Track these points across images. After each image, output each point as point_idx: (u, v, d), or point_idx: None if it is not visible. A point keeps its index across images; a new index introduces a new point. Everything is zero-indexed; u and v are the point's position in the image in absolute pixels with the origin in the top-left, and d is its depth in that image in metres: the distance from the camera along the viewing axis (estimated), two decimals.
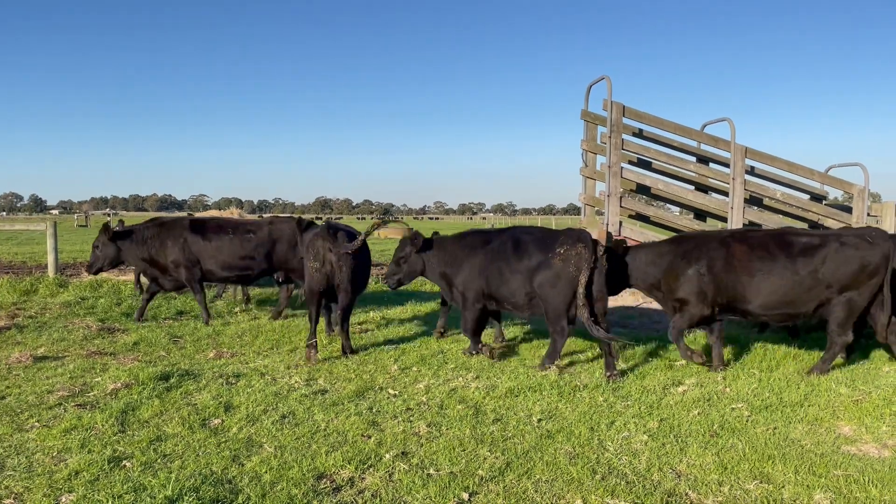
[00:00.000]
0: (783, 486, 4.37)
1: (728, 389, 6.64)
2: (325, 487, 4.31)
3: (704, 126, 11.89)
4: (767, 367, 7.49)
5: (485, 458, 4.79)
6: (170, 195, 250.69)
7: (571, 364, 7.76)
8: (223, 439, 5.13)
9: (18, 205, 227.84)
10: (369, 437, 5.21)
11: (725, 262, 7.30)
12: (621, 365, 7.63)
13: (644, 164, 11.57)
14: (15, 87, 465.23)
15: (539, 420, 5.69)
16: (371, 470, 4.57)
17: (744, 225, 10.67)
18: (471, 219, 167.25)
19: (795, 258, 7.07)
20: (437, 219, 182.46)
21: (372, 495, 4.20)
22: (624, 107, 10.47)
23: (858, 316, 7.13)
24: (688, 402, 6.16)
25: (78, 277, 14.52)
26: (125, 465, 4.57)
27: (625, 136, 10.65)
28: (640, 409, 5.99)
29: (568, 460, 4.78)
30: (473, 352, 8.11)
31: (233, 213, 17.44)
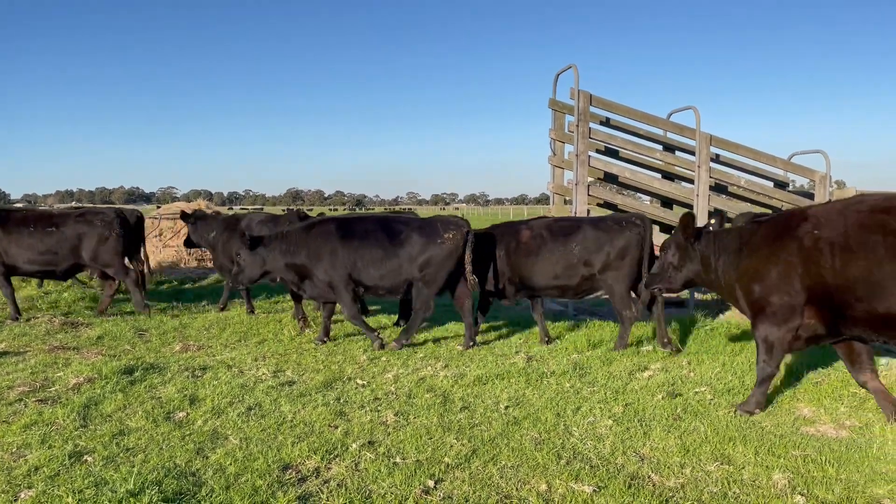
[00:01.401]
0: (743, 467, 4.45)
1: (692, 374, 6.74)
2: (291, 478, 4.29)
3: (671, 114, 11.99)
4: (731, 352, 7.61)
5: (451, 446, 4.81)
6: (138, 188, 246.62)
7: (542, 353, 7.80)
8: (188, 432, 5.08)
9: None
10: (336, 428, 5.20)
11: (516, 248, 8.26)
12: (588, 353, 7.71)
13: (611, 153, 11.65)
14: None
15: (506, 407, 5.72)
16: (337, 460, 4.56)
17: (709, 213, 10.81)
18: (444, 209, 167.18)
19: (559, 243, 8.07)
20: (409, 209, 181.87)
21: (337, 485, 4.19)
22: (591, 95, 10.52)
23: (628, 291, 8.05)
24: (653, 387, 6.24)
25: None
26: (86, 460, 4.50)
27: (592, 125, 10.70)
28: (605, 394, 6.05)
29: (534, 446, 4.82)
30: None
31: (199, 206, 17.27)
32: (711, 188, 11.13)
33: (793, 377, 6.51)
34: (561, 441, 4.94)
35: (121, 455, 4.62)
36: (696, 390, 6.14)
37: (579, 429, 5.19)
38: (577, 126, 10.44)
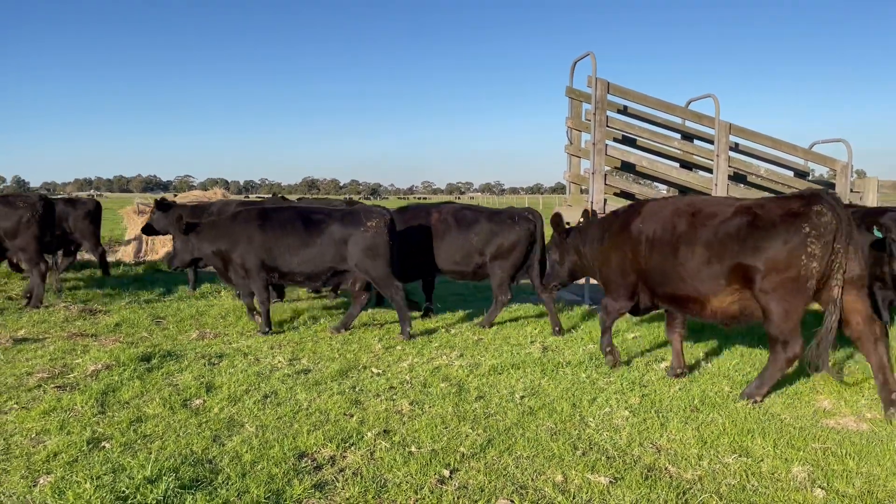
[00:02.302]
0: (762, 460, 4.40)
1: (710, 365, 6.68)
2: (307, 466, 4.30)
3: (689, 102, 11.86)
4: (750, 343, 7.54)
5: (466, 436, 4.80)
6: (155, 176, 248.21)
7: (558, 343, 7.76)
8: (204, 419, 5.10)
9: (1, 186, 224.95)
10: (351, 416, 5.20)
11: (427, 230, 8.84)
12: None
13: (629, 142, 11.54)
14: None
15: (522, 397, 5.70)
16: (352, 448, 4.57)
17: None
18: (458, 198, 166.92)
19: (461, 230, 8.56)
20: (424, 198, 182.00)
21: (353, 473, 4.20)
22: (608, 83, 10.41)
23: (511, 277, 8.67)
24: (669, 379, 6.19)
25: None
26: (104, 447, 4.54)
27: (609, 113, 10.59)
28: (622, 385, 6.01)
29: (549, 436, 4.80)
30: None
31: (216, 195, 17.34)
32: (730, 177, 11.01)
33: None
34: (577, 432, 4.91)
35: (138, 442, 4.65)
36: (714, 381, 6.09)
37: (595, 420, 5.16)
38: (595, 114, 10.34)
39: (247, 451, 4.47)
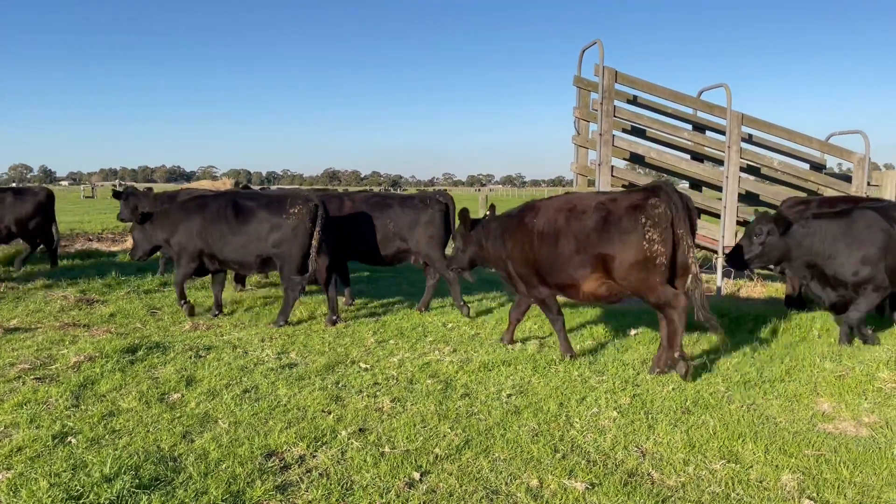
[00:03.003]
0: (751, 467, 4.18)
1: (709, 363, 6.43)
2: (273, 466, 4.15)
3: (701, 92, 11.54)
4: (755, 340, 7.28)
5: (444, 436, 4.62)
6: (179, 166, 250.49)
7: (551, 334, 7.55)
8: (178, 415, 4.98)
9: (28, 176, 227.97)
10: (329, 413, 5.05)
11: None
12: (603, 339, 7.44)
13: (638, 133, 11.25)
14: (26, 57, 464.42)
15: (509, 395, 5.51)
16: (324, 448, 4.42)
17: (739, 195, 10.39)
18: (478, 190, 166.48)
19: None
20: (445, 190, 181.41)
21: (320, 474, 4.04)
22: (616, 72, 10.14)
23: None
24: (664, 378, 5.96)
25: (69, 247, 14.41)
26: (70, 442, 4.43)
27: (617, 103, 10.33)
28: (614, 383, 5.79)
29: (530, 438, 4.61)
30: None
31: (224, 184, 17.31)
32: (742, 170, 10.70)
33: (815, 369, 6.16)
34: (560, 433, 4.72)
35: (106, 437, 4.54)
36: (710, 381, 5.85)
37: (581, 420, 4.96)
38: (602, 104, 10.09)
39: (214, 449, 4.34)
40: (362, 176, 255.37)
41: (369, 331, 7.83)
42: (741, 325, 8.01)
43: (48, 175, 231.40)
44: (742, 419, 4.95)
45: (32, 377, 5.76)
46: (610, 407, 5.22)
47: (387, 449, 4.39)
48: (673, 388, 5.63)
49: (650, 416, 5.04)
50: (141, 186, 14.36)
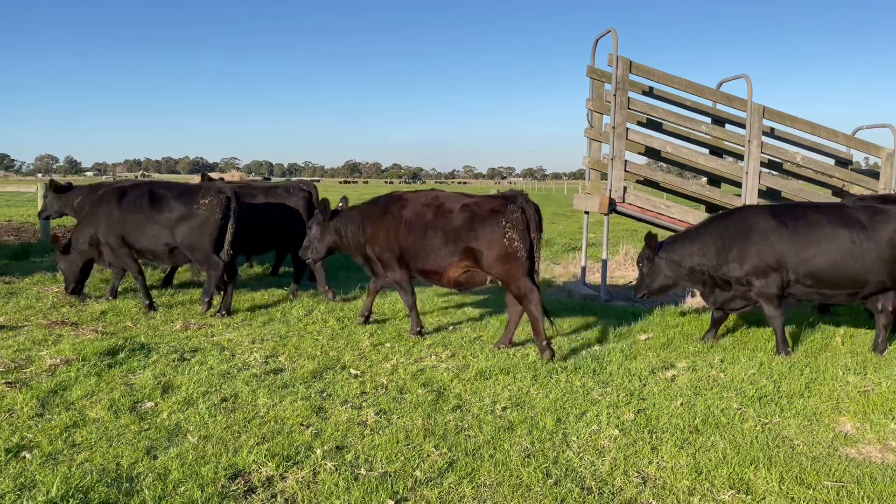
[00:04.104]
0: (763, 499, 3.76)
1: (722, 375, 6.00)
2: (237, 489, 3.81)
3: (720, 84, 11.01)
4: (771, 350, 6.83)
5: (428, 456, 4.26)
6: (202, 158, 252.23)
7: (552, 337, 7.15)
8: (146, 426, 4.66)
9: (54, 166, 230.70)
10: (307, 427, 4.70)
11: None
12: (611, 345, 7.03)
13: (654, 126, 10.77)
14: (53, 49, 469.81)
15: (504, 408, 5.13)
16: (295, 468, 4.06)
17: (760, 192, 9.89)
18: (499, 183, 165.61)
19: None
20: (465, 183, 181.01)
21: (285, 500, 3.69)
22: (631, 62, 9.67)
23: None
24: (673, 390, 5.54)
25: None
26: (25, 457, 4.11)
27: (631, 95, 9.86)
28: (617, 396, 5.39)
29: (521, 459, 4.22)
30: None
31: (234, 177, 17.05)
32: (764, 165, 10.19)
33: (837, 383, 5.71)
34: (554, 454, 4.33)
35: (64, 452, 4.22)
36: (723, 396, 5.42)
37: (579, 439, 4.57)
38: (615, 95, 9.62)
39: (177, 468, 4.00)
40: (383, 168, 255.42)
41: (366, 332, 7.48)
42: (758, 330, 7.55)
43: (73, 165, 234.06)
44: (756, 441, 4.53)
45: (2, 381, 5.46)
46: (611, 424, 4.82)
47: (363, 471, 4.03)
48: (682, 404, 5.21)
49: (654, 435, 4.63)
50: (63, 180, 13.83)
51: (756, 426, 4.80)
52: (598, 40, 10.46)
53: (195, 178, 11.79)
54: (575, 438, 4.58)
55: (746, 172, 9.81)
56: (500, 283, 6.88)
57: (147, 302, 8.42)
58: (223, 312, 8.22)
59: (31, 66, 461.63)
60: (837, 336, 7.31)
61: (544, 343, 6.50)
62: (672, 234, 8.14)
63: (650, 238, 7.28)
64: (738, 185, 10.14)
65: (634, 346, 7.00)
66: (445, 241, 6.85)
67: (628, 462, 4.22)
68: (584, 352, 6.75)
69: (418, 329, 7.38)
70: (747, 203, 9.58)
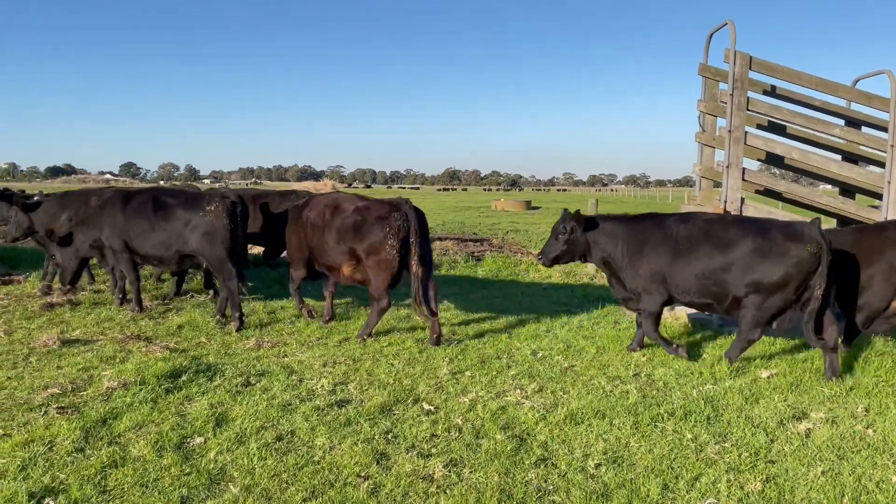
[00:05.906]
0: None
1: (870, 430, 4.91)
2: None
3: (857, 81, 9.68)
4: None
5: None
6: (309, 166, 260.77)
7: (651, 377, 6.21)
8: (188, 470, 4.14)
9: (175, 174, 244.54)
10: (365, 480, 4.06)
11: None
12: (727, 382, 6.02)
13: (777, 129, 9.57)
14: (173, 65, 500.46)
15: (597, 465, 4.31)
16: None
17: None
18: (599, 190, 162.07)
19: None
20: (564, 190, 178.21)
21: None
22: (751, 58, 8.54)
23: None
24: (810, 451, 4.53)
25: None
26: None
27: (751, 94, 8.73)
28: (739, 456, 4.44)
29: None
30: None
31: (326, 186, 16.86)
32: None
33: None
34: None
35: (92, 499, 3.76)
36: (876, 461, 4.37)
37: None
38: (732, 95, 8.53)
39: None
40: (482, 175, 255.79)
41: (445, 358, 6.80)
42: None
43: (193, 173, 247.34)
44: None
45: (56, 406, 5.14)
46: (733, 496, 3.90)
47: None
48: (823, 472, 4.20)
49: None
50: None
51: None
52: (712, 35, 9.39)
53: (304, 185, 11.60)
54: None
55: (888, 182, 8.48)
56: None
57: (137, 308, 8.53)
58: (217, 316, 8.28)
59: (162, 79, 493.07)
60: None
61: (368, 335, 7.44)
62: None
63: None
64: (879, 196, 8.81)
65: (756, 385, 5.97)
66: (338, 240, 7.55)
67: None
68: (694, 391, 5.80)
69: (305, 309, 8.29)
70: (889, 218, 8.28)
